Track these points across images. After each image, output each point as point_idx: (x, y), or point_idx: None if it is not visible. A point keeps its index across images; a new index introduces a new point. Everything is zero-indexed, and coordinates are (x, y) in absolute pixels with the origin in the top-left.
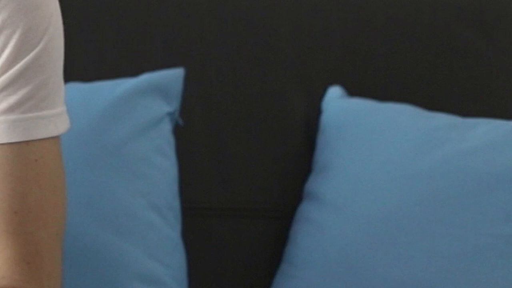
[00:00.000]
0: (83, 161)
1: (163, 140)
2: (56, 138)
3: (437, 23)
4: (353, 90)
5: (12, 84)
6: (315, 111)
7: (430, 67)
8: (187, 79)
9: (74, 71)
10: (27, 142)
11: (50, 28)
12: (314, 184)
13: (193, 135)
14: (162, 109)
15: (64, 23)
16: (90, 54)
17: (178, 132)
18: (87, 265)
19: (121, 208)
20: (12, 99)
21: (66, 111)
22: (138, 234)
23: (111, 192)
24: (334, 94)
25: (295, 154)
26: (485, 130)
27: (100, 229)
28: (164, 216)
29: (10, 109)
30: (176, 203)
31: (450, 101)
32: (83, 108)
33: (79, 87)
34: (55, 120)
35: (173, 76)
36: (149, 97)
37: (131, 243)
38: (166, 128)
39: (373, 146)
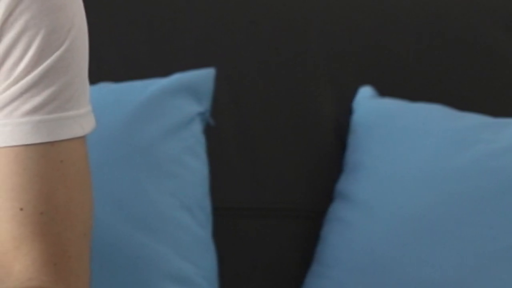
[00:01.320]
0: (114, 161)
1: (194, 140)
2: (81, 139)
3: (467, 23)
4: (384, 90)
5: (36, 85)
6: (346, 111)
7: (461, 67)
8: (218, 79)
9: (105, 71)
10: (52, 143)
11: (74, 29)
12: (345, 184)
13: (223, 135)
14: (193, 109)
15: (95, 23)
16: (121, 54)
17: (209, 132)
18: (118, 265)
19: (152, 208)
20: (36, 100)
21: (92, 111)
22: (169, 234)
23: (142, 192)
24: (365, 94)
25: (326, 154)
26: None
27: (131, 229)
28: (195, 216)
29: (34, 110)
30: (207, 203)
31: (481, 101)
32: (114, 108)
33: (110, 87)
34: (80, 121)
35: (204, 76)
36: (180, 97)
37: (162, 243)
38: (197, 128)
39: (404, 146)
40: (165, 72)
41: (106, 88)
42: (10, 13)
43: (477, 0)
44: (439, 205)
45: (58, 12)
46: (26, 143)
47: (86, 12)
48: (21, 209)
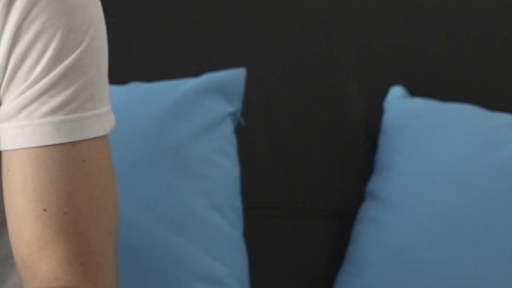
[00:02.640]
0: (144, 161)
1: (225, 140)
2: (103, 138)
3: (498, 22)
4: (414, 90)
5: (55, 86)
6: (377, 111)
7: (492, 67)
8: (248, 79)
9: (136, 71)
10: (73, 143)
11: (92, 29)
12: (376, 184)
13: (254, 135)
14: (224, 109)
15: (126, 23)
16: (151, 54)
17: (240, 132)
18: (149, 265)
19: (183, 208)
20: (55, 101)
21: (112, 110)
22: (200, 234)
23: (173, 192)
24: (395, 94)
25: (357, 154)
26: None
27: (162, 229)
28: (226, 216)
29: (54, 111)
30: (238, 203)
31: None
32: (145, 108)
33: (140, 87)
34: (100, 120)
35: (235, 76)
36: (211, 97)
37: (193, 243)
38: (228, 128)
39: (435, 146)
40: (196, 72)
41: (137, 88)
42: (26, 15)
43: None
44: (470, 205)
45: (75, 13)
46: (47, 143)
47: (116, 13)
48: (45, 209)
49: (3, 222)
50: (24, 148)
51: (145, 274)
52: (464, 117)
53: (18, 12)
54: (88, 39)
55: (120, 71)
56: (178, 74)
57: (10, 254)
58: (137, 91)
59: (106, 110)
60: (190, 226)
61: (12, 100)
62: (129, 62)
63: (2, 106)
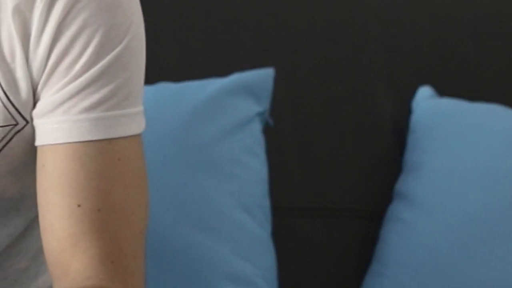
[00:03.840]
0: (173, 161)
1: (253, 140)
2: (138, 137)
3: None
4: (443, 90)
5: (94, 83)
6: (405, 111)
7: None
8: (276, 79)
9: (164, 71)
10: (109, 140)
11: (132, 27)
12: (405, 184)
13: (282, 135)
14: (252, 109)
15: (154, 23)
16: (180, 54)
17: (268, 132)
18: (177, 265)
19: (211, 208)
20: (94, 97)
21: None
22: (228, 234)
23: (201, 192)
24: (424, 94)
25: (385, 154)
26: None
27: (190, 229)
28: (254, 216)
29: (92, 107)
30: (266, 203)
31: None
32: (173, 108)
33: (169, 87)
34: (136, 118)
35: (263, 76)
36: (239, 97)
37: (221, 243)
38: (256, 128)
39: (463, 146)
40: (224, 72)
41: (165, 87)
42: (68, 11)
43: None
44: (498, 204)
45: (116, 10)
46: (83, 139)
47: (145, 12)
48: (79, 205)
49: (35, 217)
50: (61, 144)
51: (173, 274)
52: (492, 116)
53: (60, 9)
54: (129, 37)
55: (149, 71)
56: (206, 74)
57: (41, 250)
58: (165, 91)
59: (141, 109)
60: (218, 226)
61: (51, 95)
62: (158, 62)
63: (40, 101)
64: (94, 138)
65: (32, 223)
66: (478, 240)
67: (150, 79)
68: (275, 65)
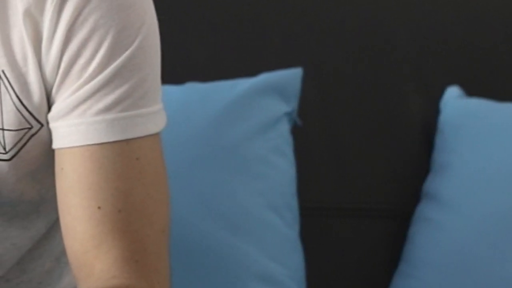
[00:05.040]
0: (201, 161)
1: (281, 140)
2: (156, 136)
3: None
4: (471, 90)
5: (108, 84)
6: (433, 111)
7: None
8: (305, 79)
9: (192, 71)
10: (127, 140)
11: (144, 27)
12: (433, 184)
13: (310, 135)
14: (280, 109)
15: (182, 23)
16: (208, 54)
17: (296, 132)
18: (205, 265)
19: (239, 208)
20: (109, 99)
21: (163, 109)
22: (256, 234)
23: (229, 192)
24: (452, 94)
25: (413, 154)
26: None
27: (219, 229)
28: (282, 216)
29: (108, 108)
30: (294, 203)
31: None
32: (202, 108)
33: (197, 87)
34: (154, 118)
35: (291, 75)
36: (267, 97)
37: (249, 243)
38: (284, 128)
39: (491, 146)
40: (252, 71)
41: (194, 87)
42: (79, 12)
43: None
44: None
45: (128, 10)
46: (100, 141)
47: (173, 13)
48: (99, 207)
49: (57, 219)
50: (78, 146)
51: (201, 273)
52: None
53: (70, 11)
54: (141, 37)
55: (177, 71)
56: (235, 74)
57: (63, 252)
58: (194, 91)
59: (159, 108)
60: (246, 226)
61: (65, 98)
62: (186, 62)
63: (55, 105)
64: (111, 140)
65: (54, 225)
66: (506, 239)
67: (179, 79)
68: (304, 65)
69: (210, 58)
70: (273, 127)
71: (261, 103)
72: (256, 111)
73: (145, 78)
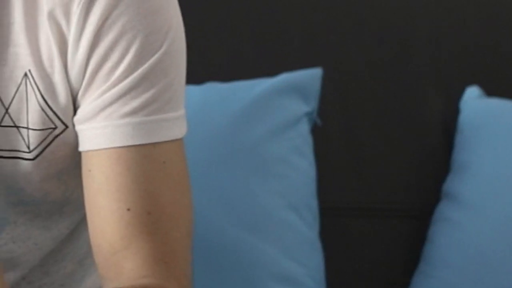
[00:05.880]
0: (221, 160)
1: (301, 140)
2: (180, 141)
3: None
4: (491, 90)
5: (135, 88)
6: (453, 111)
7: None
8: (325, 79)
9: (212, 71)
10: (154, 144)
11: (171, 31)
12: (453, 184)
13: (330, 135)
14: (300, 109)
15: (202, 24)
16: (228, 54)
17: (316, 132)
18: (225, 265)
19: (259, 207)
20: (135, 102)
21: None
22: (276, 234)
23: (249, 192)
24: (472, 94)
25: (433, 154)
26: None
27: (238, 229)
28: (302, 216)
29: (134, 112)
30: (314, 203)
31: None
32: (221, 108)
33: (217, 87)
34: (178, 122)
35: (311, 76)
36: (287, 97)
37: (268, 242)
38: (304, 128)
39: (511, 146)
40: (272, 72)
41: (213, 87)
42: (107, 17)
43: None
44: None
45: (155, 15)
46: (127, 144)
47: (193, 14)
48: (128, 209)
49: (80, 222)
50: (105, 149)
51: (221, 273)
52: None
53: (98, 15)
54: (168, 42)
55: (196, 71)
56: (254, 74)
57: (87, 254)
58: (213, 91)
59: (183, 113)
60: (266, 226)
61: (92, 101)
62: (205, 62)
63: (80, 108)
64: (137, 143)
65: (78, 227)
66: None
67: (198, 79)
68: (324, 65)
69: (230, 58)
70: (293, 127)
71: (281, 103)
72: (275, 111)
73: (171, 82)
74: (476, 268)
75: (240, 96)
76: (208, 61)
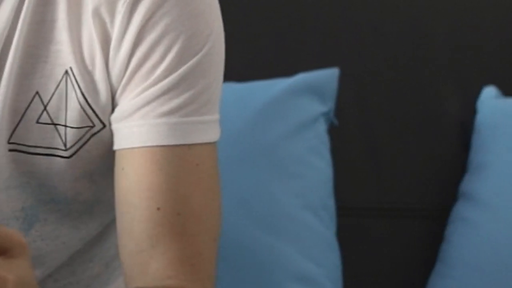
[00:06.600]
0: (238, 161)
1: (318, 140)
2: (214, 144)
3: None
4: (508, 90)
5: (174, 88)
6: (470, 111)
7: None
8: (341, 79)
9: (229, 71)
10: (188, 145)
11: (213, 34)
12: (470, 184)
13: (347, 135)
14: (317, 109)
15: None
16: (245, 54)
17: (333, 132)
18: (242, 265)
19: (276, 208)
20: (173, 103)
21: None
22: (293, 234)
23: (266, 192)
24: (489, 94)
25: (450, 154)
26: None
27: (255, 228)
28: (319, 216)
29: (171, 112)
30: (331, 203)
31: None
32: (238, 108)
33: (234, 87)
34: (214, 126)
35: (328, 76)
36: (304, 97)
37: (286, 243)
38: (321, 128)
39: None
40: (289, 72)
41: (231, 88)
42: (150, 16)
43: None
44: None
45: (198, 17)
46: (162, 143)
47: None
48: (158, 208)
49: (109, 224)
50: (140, 147)
51: (238, 274)
52: None
53: (142, 13)
54: (209, 45)
55: None
56: (271, 74)
57: (114, 257)
58: (230, 91)
59: (218, 117)
60: (283, 226)
61: (130, 100)
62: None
63: (118, 106)
64: (172, 143)
65: (106, 230)
66: None
67: None
68: (340, 65)
69: (247, 58)
70: (310, 127)
71: (298, 103)
72: (293, 111)
73: (209, 85)
74: (493, 268)
75: (257, 96)
76: (226, 61)
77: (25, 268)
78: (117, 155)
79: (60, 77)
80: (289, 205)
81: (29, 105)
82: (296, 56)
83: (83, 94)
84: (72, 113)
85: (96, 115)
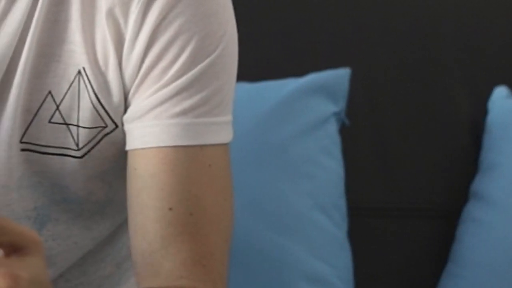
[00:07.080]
0: (249, 161)
1: (329, 140)
2: (227, 146)
3: None
4: None
5: (187, 89)
6: (481, 111)
7: None
8: (353, 79)
9: (240, 71)
10: (201, 146)
11: (226, 35)
12: (481, 184)
13: (358, 135)
14: (328, 109)
15: None
16: (256, 54)
17: (344, 132)
18: (253, 265)
19: (287, 208)
20: (186, 104)
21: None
22: (304, 234)
23: (277, 192)
24: (500, 94)
25: (461, 154)
26: None
27: (266, 228)
28: (330, 216)
29: (184, 113)
30: (342, 203)
31: None
32: (250, 108)
33: (245, 87)
34: (227, 127)
35: (339, 76)
36: (315, 97)
37: (297, 243)
38: (332, 128)
39: None
40: (300, 72)
41: (242, 88)
42: (164, 16)
43: None
44: None
45: (211, 18)
46: (174, 144)
47: None
48: (171, 209)
49: (121, 224)
50: (152, 147)
51: (249, 273)
52: None
53: (156, 13)
54: (223, 45)
55: None
56: (283, 74)
57: (125, 258)
58: (242, 91)
59: (230, 119)
60: (294, 226)
61: (142, 100)
62: None
63: (131, 106)
64: (185, 144)
65: (118, 230)
66: None
67: None
68: (352, 65)
69: (258, 58)
70: (321, 127)
71: (309, 103)
72: (304, 111)
73: (222, 86)
74: (505, 268)
75: (268, 96)
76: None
77: (39, 267)
78: (129, 155)
79: (73, 77)
80: (300, 205)
81: (41, 105)
82: (308, 56)
83: (95, 95)
84: (84, 113)
85: (109, 116)
